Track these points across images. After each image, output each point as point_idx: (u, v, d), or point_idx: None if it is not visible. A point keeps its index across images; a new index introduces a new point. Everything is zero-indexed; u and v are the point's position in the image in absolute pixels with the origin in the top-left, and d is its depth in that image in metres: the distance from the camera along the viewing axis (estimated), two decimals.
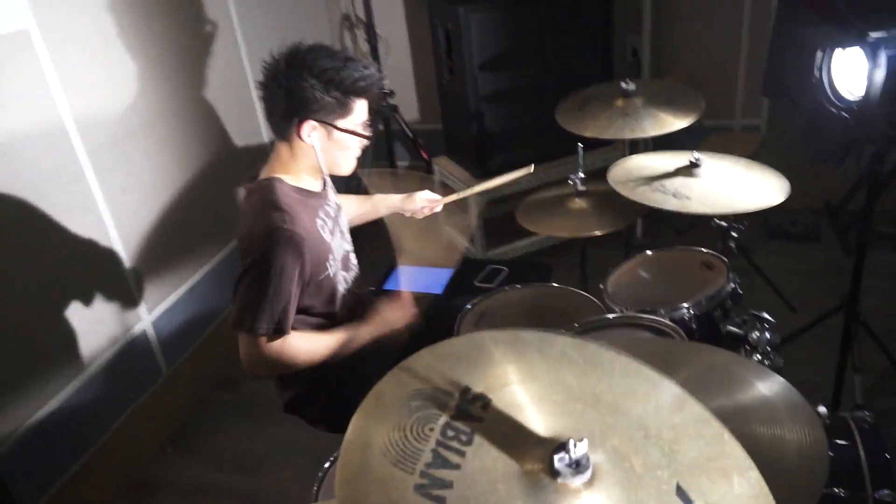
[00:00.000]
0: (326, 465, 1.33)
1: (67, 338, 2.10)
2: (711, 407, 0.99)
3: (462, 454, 0.72)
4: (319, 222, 1.62)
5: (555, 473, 0.70)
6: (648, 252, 1.68)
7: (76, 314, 2.12)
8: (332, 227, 1.68)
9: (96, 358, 2.20)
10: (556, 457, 0.69)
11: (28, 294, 1.96)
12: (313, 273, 1.58)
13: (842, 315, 2.00)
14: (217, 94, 2.73)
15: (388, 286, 2.28)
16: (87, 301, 2.17)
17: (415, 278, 2.31)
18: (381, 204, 2.01)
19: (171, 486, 2.28)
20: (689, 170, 1.64)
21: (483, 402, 0.78)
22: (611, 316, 1.37)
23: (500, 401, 0.77)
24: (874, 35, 1.50)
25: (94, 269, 2.20)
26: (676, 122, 1.90)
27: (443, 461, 0.71)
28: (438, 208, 1.98)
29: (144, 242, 2.40)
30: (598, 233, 1.79)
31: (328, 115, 1.53)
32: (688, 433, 0.77)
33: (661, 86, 2.15)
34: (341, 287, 1.70)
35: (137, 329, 2.38)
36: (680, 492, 0.72)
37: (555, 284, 1.73)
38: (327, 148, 1.57)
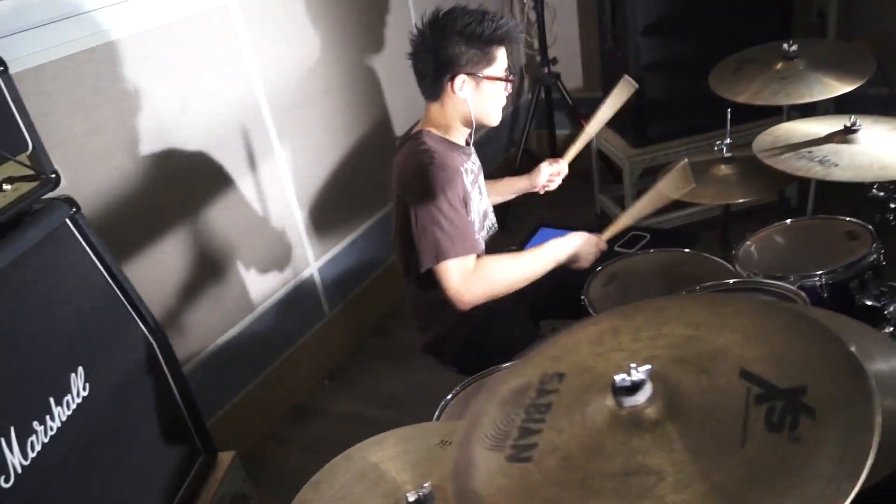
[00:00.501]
0: (448, 396, 1.45)
1: (245, 276, 2.41)
2: None
3: (543, 420, 0.78)
4: (464, 171, 1.73)
5: (619, 397, 0.75)
6: (788, 220, 1.61)
7: (254, 255, 2.43)
8: (473, 181, 1.79)
9: (269, 296, 2.51)
10: (616, 378, 0.74)
11: (216, 235, 2.28)
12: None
13: None
14: (387, 64, 2.92)
15: (530, 246, 2.36)
16: (264, 244, 2.47)
17: (544, 240, 2.37)
18: (511, 186, 2.10)
19: (325, 412, 2.56)
20: (844, 135, 1.54)
21: (559, 377, 0.83)
22: (731, 281, 1.35)
23: (573, 372, 0.83)
24: None
25: (271, 217, 2.49)
26: (840, 87, 1.76)
27: (528, 432, 0.78)
28: (564, 171, 2.03)
29: (315, 197, 2.66)
30: (740, 200, 1.74)
31: (475, 67, 1.65)
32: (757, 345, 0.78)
33: (827, 48, 1.98)
34: (480, 241, 1.81)
35: (305, 274, 2.66)
36: (747, 374, 0.73)
37: (687, 250, 1.71)
38: (477, 99, 1.69)
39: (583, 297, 1.73)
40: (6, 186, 1.26)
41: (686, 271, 1.66)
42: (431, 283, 1.67)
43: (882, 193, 1.59)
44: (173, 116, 2.07)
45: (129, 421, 1.52)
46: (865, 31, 3.08)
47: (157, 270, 2.07)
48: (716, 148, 1.82)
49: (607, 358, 0.80)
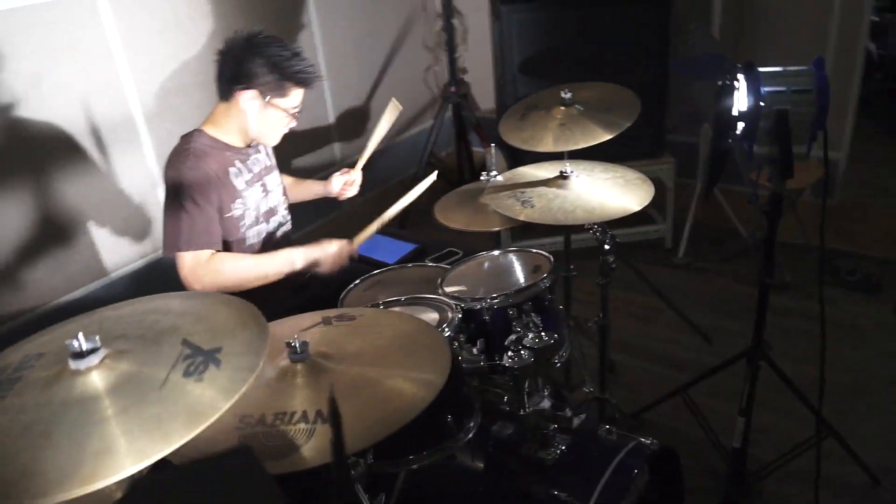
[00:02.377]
0: None
1: (96, 244, 2.60)
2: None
3: (10, 391, 0.93)
4: (233, 170, 1.91)
5: (73, 360, 0.92)
6: (496, 252, 1.78)
7: (108, 227, 2.62)
8: (252, 180, 1.97)
9: (122, 266, 2.70)
10: (67, 342, 0.91)
11: (65, 203, 2.47)
12: (220, 208, 1.88)
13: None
14: None
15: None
16: (120, 218, 2.66)
17: (377, 246, 2.53)
18: (310, 189, 2.29)
19: None
20: (560, 180, 1.70)
21: (38, 356, 1.00)
22: (402, 298, 1.54)
23: (52, 352, 1.00)
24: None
25: (131, 194, 2.68)
26: (605, 134, 1.90)
27: None
28: (357, 179, 2.25)
29: None
30: (497, 228, 1.89)
31: (267, 91, 1.84)
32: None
33: (598, 91, 2.08)
34: (251, 235, 1.98)
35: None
36: (186, 343, 0.96)
37: (431, 264, 1.87)
38: (259, 118, 1.88)
39: (342, 295, 1.89)
40: None
41: (427, 287, 1.81)
42: None
43: (597, 237, 1.74)
44: (23, 89, 2.27)
45: None
46: None
47: None
48: (481, 178, 1.98)
49: None
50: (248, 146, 1.98)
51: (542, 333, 1.43)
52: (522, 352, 1.39)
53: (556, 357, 1.61)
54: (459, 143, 4.00)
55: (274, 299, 1.94)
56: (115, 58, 2.51)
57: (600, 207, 1.59)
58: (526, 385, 1.47)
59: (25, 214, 2.36)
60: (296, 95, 1.89)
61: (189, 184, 1.80)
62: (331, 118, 3.51)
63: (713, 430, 2.16)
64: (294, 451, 1.01)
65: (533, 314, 1.48)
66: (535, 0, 3.00)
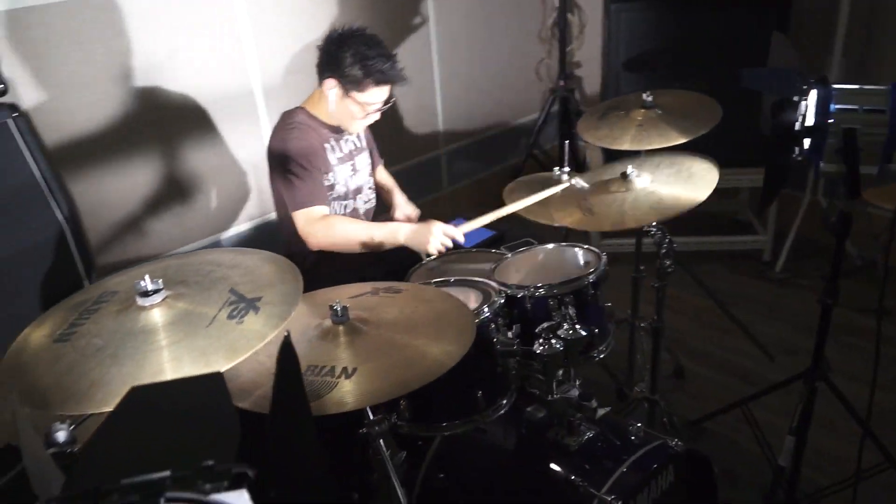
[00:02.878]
0: None
1: (210, 204, 2.89)
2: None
3: (88, 319, 1.13)
4: (328, 146, 2.11)
5: (140, 298, 1.11)
6: (550, 245, 1.84)
7: (226, 191, 2.91)
8: (343, 158, 2.15)
9: (232, 225, 2.98)
10: (136, 283, 1.10)
11: (186, 165, 2.76)
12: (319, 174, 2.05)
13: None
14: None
15: None
16: (233, 183, 2.94)
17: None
18: (402, 209, 2.35)
19: None
20: (622, 182, 1.74)
21: (112, 294, 1.18)
22: (452, 279, 1.67)
23: (124, 290, 1.18)
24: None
25: (244, 163, 2.94)
26: (680, 137, 1.92)
27: (74, 325, 1.12)
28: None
29: None
30: (557, 224, 1.96)
31: (347, 82, 2.00)
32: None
33: (678, 97, 2.08)
34: (337, 207, 2.16)
35: (272, 216, 3.10)
36: (233, 291, 1.13)
37: (494, 251, 1.97)
38: (337, 105, 2.06)
39: (411, 270, 2.02)
40: None
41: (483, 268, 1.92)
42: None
43: (654, 242, 1.77)
44: (160, 61, 2.56)
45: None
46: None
47: (127, 179, 2.59)
48: (556, 172, 2.04)
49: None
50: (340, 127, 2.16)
51: (577, 326, 1.49)
52: (553, 341, 1.46)
53: (595, 352, 1.67)
54: (563, 136, 4.02)
55: (351, 267, 2.12)
56: (242, 36, 2.77)
57: (657, 208, 1.62)
58: (559, 373, 1.55)
59: (154, 172, 2.68)
60: (373, 92, 2.01)
61: (295, 152, 2.00)
62: (438, 106, 3.65)
63: (770, 446, 2.12)
64: (312, 400, 1.15)
65: (571, 307, 1.55)
66: None
